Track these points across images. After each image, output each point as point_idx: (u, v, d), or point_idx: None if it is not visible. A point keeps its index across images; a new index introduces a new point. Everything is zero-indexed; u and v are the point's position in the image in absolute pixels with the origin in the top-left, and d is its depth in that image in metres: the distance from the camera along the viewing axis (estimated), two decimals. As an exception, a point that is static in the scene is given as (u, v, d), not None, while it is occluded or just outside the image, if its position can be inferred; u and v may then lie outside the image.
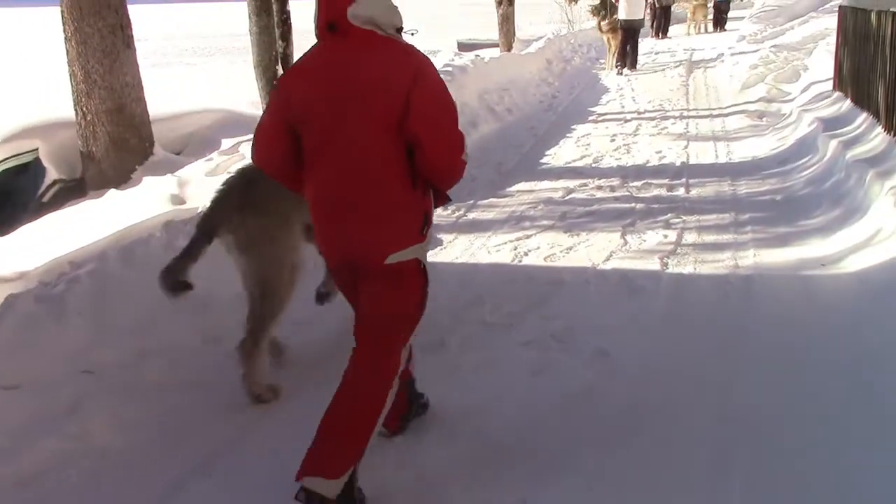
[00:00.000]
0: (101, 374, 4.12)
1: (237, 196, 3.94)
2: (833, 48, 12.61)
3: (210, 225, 3.93)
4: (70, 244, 6.00)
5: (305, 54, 3.14)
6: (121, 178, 8.90)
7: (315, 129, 3.04)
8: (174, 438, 3.74)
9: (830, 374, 4.01)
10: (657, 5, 23.69)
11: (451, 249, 6.12)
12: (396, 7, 3.09)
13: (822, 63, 12.51)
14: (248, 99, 13.90)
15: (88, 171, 9.21)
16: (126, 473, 3.49)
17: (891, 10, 7.19)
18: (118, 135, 9.07)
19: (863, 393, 3.81)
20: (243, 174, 4.07)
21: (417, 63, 2.99)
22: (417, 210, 3.07)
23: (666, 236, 6.21)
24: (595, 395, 3.91)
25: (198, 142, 11.37)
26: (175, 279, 3.89)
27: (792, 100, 11.44)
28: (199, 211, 4.33)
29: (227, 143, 10.38)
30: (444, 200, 3.30)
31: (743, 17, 24.66)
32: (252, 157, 3.31)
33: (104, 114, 8.93)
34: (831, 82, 10.53)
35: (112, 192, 7.89)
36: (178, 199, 7.53)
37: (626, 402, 3.85)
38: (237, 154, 8.81)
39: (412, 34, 4.00)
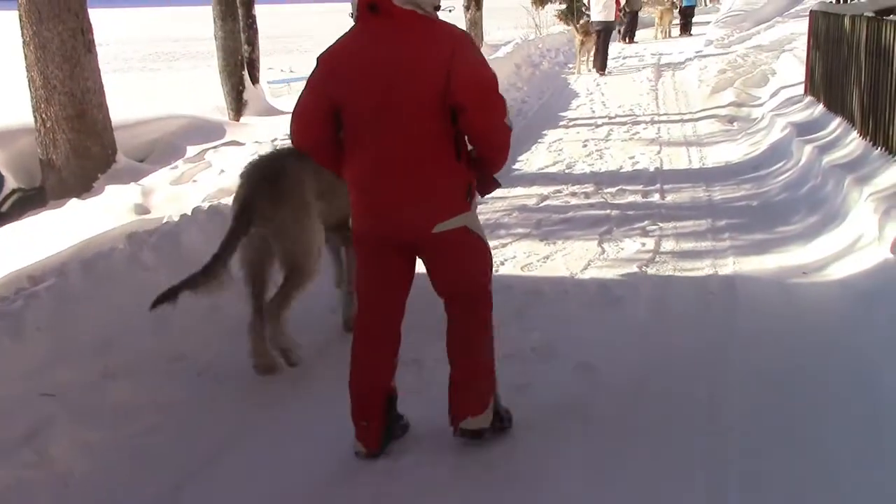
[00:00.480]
0: (62, 396, 3.89)
1: (268, 188, 4.22)
2: (800, 53, 12.71)
3: (247, 218, 4.20)
4: (29, 257, 5.76)
5: (343, 37, 3.26)
6: (82, 186, 8.67)
7: (361, 107, 3.16)
8: (143, 463, 3.55)
9: (821, 384, 3.91)
10: (626, 10, 23.77)
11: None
12: None
13: (790, 67, 12.56)
14: (214, 104, 13.69)
15: (48, 180, 8.96)
16: (91, 503, 3.30)
17: (864, 14, 7.16)
18: (79, 142, 8.83)
19: (857, 403, 3.72)
20: (267, 166, 4.38)
21: (456, 36, 3.16)
22: (462, 180, 3.26)
23: (644, 244, 6.10)
24: (584, 412, 3.77)
25: (162, 149, 11.13)
26: (210, 280, 4.15)
27: (762, 104, 11.45)
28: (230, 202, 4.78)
29: (192, 150, 10.17)
30: (493, 186, 3.46)
31: (709, 22, 24.82)
32: (293, 141, 3.46)
33: (64, 120, 8.69)
34: (801, 87, 10.54)
35: (73, 201, 7.67)
36: (141, 209, 7.33)
37: (615, 418, 3.71)
38: (203, 161, 8.60)
39: (449, 11, 4.08)
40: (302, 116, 3.34)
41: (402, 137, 3.14)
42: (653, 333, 4.61)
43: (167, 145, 11.23)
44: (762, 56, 14.76)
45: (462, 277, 3.40)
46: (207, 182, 7.81)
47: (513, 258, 5.99)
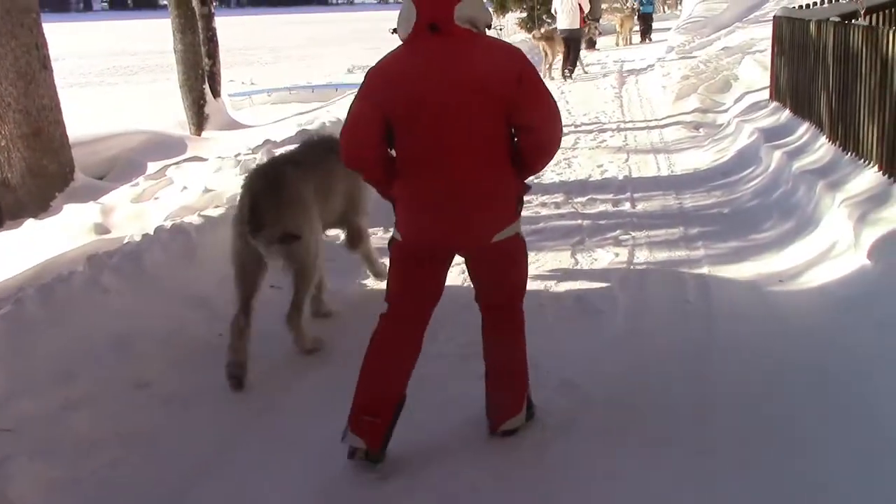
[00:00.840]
0: (20, 430, 3.69)
1: (272, 196, 4.42)
2: (761, 58, 12.78)
3: (252, 227, 4.36)
4: (-17, 282, 5.55)
5: (395, 53, 3.31)
6: (39, 206, 8.42)
7: (422, 121, 3.21)
8: (109, 498, 3.37)
9: (805, 394, 3.85)
10: (589, 18, 23.85)
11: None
12: (486, 6, 3.39)
13: (752, 72, 12.62)
14: (175, 119, 13.46)
15: (3, 200, 8.67)
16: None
17: (830, 19, 7.17)
18: (35, 160, 8.58)
19: (841, 410, 3.67)
20: (268, 174, 4.62)
21: (520, 56, 3.29)
22: (516, 189, 3.40)
23: (617, 254, 6.02)
24: (571, 427, 3.67)
25: (122, 166, 10.89)
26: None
27: (726, 110, 11.47)
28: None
29: (153, 166, 9.94)
30: (527, 190, 3.51)
31: (669, 28, 24.97)
32: (344, 158, 3.45)
33: (20, 139, 8.44)
34: (766, 92, 10.58)
35: (30, 221, 7.42)
36: (101, 229, 7.13)
37: (603, 436, 3.61)
38: (164, 178, 8.39)
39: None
40: (355, 131, 3.35)
41: (467, 150, 3.23)
42: (634, 346, 4.51)
43: (127, 162, 10.99)
44: (724, 62, 14.81)
45: (511, 283, 3.56)
46: (169, 199, 7.60)
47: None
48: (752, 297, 5.09)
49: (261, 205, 4.38)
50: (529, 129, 3.28)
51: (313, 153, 4.97)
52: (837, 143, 6.85)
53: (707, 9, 23.99)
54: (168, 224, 6.07)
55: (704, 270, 5.56)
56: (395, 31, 3.36)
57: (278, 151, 8.23)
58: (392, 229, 3.52)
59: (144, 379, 4.26)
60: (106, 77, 29.10)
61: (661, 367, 4.23)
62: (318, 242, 4.72)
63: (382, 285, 5.45)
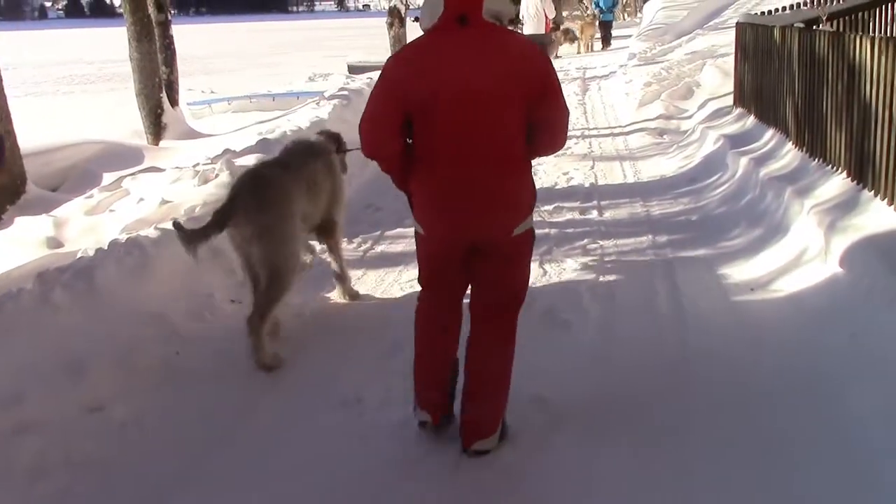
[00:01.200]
0: (-37, 460, 3.50)
1: (248, 195, 4.50)
2: (723, 64, 12.82)
3: (223, 218, 4.46)
4: (-72, 300, 5.28)
5: (418, 43, 3.32)
6: (-11, 219, 8.15)
7: (443, 114, 3.21)
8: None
9: (779, 405, 3.77)
10: (556, 24, 23.87)
11: (360, 287, 5.67)
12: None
13: (714, 79, 12.65)
14: (132, 129, 13.15)
15: (-48, 214, 8.40)
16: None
17: (795, 25, 7.15)
18: (-15, 172, 8.30)
19: (816, 421, 3.61)
20: (253, 175, 4.71)
21: (544, 55, 3.36)
22: (532, 185, 3.45)
23: (585, 264, 5.91)
24: (543, 446, 3.55)
25: (77, 177, 10.58)
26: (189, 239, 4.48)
27: (690, 116, 11.46)
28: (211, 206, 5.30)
29: (108, 177, 9.67)
30: None
31: (630, 35, 25.07)
32: (364, 149, 3.43)
33: (-33, 149, 8.16)
34: (729, 98, 10.58)
35: (-22, 235, 7.16)
36: (54, 243, 6.90)
37: (575, 452, 3.49)
38: (120, 189, 8.15)
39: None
40: (374, 126, 3.36)
41: (490, 141, 3.24)
42: (605, 359, 4.42)
43: (82, 173, 10.68)
44: (686, 68, 14.86)
45: (518, 279, 3.55)
46: (125, 212, 7.38)
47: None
48: (723, 307, 5.01)
49: (240, 200, 4.48)
50: (546, 124, 3.33)
51: (298, 157, 5.01)
52: (804, 149, 6.82)
53: (667, 16, 24.12)
54: (123, 238, 5.86)
55: (675, 280, 5.47)
56: (416, 19, 3.38)
57: (238, 161, 8.05)
58: (413, 223, 3.54)
59: (97, 402, 4.06)
60: (61, 86, 28.55)
61: (634, 381, 4.13)
62: (296, 252, 4.71)
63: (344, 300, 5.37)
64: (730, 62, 11.12)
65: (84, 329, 4.51)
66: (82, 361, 4.25)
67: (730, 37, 11.73)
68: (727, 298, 5.12)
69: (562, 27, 22.93)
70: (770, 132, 7.95)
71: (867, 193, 5.49)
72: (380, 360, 4.50)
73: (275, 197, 4.56)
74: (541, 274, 5.79)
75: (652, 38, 21.50)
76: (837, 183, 5.88)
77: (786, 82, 7.41)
